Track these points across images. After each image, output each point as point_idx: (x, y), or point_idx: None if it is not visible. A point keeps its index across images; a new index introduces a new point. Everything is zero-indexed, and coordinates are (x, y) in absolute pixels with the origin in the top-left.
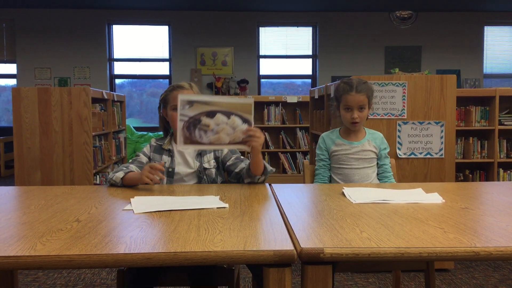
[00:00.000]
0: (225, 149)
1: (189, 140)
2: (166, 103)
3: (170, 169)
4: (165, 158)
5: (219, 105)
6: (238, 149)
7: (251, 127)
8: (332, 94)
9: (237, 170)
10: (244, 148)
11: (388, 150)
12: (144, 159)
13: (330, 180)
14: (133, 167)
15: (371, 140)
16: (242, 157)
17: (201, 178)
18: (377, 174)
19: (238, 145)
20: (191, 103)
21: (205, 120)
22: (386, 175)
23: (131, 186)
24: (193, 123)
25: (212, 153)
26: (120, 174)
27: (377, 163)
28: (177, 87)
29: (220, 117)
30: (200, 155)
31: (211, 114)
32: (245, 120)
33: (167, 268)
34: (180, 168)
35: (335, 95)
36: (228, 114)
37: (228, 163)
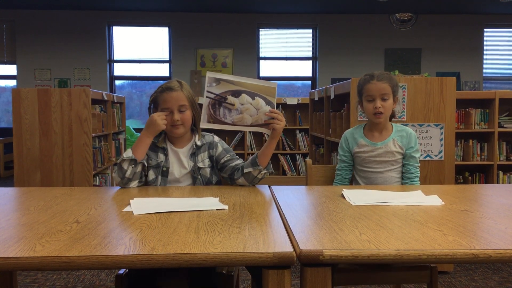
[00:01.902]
0: (220, 148)
1: (213, 119)
2: (156, 104)
3: (165, 169)
4: (161, 157)
5: (244, 86)
6: (259, 131)
7: (274, 109)
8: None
9: (232, 164)
10: (265, 131)
11: (415, 149)
12: None
13: (352, 181)
14: None
15: (397, 139)
16: (237, 156)
17: (196, 178)
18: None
19: (259, 127)
20: (218, 81)
21: (230, 98)
22: (409, 176)
23: (141, 162)
24: (218, 101)
25: (207, 152)
26: (128, 151)
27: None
28: (166, 89)
29: (245, 97)
30: (194, 154)
31: (236, 93)
32: (268, 103)
33: (167, 270)
34: (175, 168)
35: (357, 89)
36: (252, 95)
37: (223, 159)
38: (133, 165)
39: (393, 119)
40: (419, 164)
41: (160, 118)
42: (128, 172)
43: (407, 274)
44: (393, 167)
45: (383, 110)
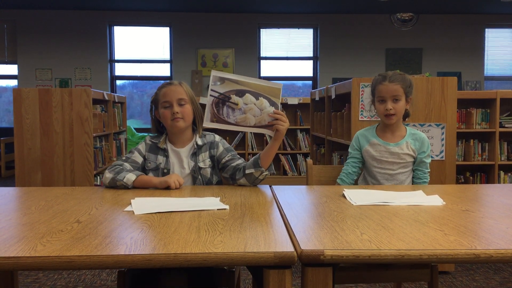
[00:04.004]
0: (221, 147)
1: (216, 118)
2: (157, 103)
3: (165, 170)
4: (160, 159)
5: (248, 86)
6: (262, 133)
7: (278, 110)
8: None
9: (233, 164)
10: (268, 132)
11: (427, 154)
12: (139, 158)
13: (355, 177)
14: (127, 165)
15: (411, 143)
16: (238, 155)
17: (196, 178)
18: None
19: (262, 129)
20: (222, 80)
21: (234, 98)
22: (416, 181)
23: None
24: (222, 100)
25: (208, 152)
26: (131, 177)
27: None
28: (166, 84)
29: (249, 97)
30: (195, 154)
31: (240, 93)
32: (272, 104)
33: (168, 269)
34: (175, 169)
35: (371, 88)
36: (256, 95)
37: (224, 159)
38: (123, 188)
39: (406, 119)
40: (429, 170)
41: (174, 181)
42: (116, 186)
43: (408, 272)
44: (405, 170)
45: (394, 111)
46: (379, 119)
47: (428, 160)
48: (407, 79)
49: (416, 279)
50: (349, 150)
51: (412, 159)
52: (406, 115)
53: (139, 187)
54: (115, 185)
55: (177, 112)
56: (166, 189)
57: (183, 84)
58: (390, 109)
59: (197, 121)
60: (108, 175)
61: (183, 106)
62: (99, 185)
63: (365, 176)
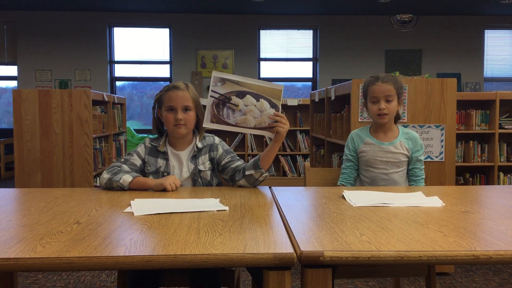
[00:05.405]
0: (220, 149)
1: (216, 118)
2: (161, 103)
3: (166, 174)
4: (160, 162)
5: (249, 87)
6: (262, 134)
7: (278, 112)
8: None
9: (233, 165)
10: (268, 134)
11: (421, 152)
12: (138, 161)
13: (356, 181)
14: (125, 167)
15: (404, 142)
16: (238, 157)
17: (196, 181)
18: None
19: (262, 130)
20: (223, 80)
21: (235, 99)
22: (415, 179)
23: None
24: (222, 101)
25: (207, 155)
26: (127, 178)
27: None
28: (173, 88)
29: (249, 98)
30: (195, 157)
31: (241, 94)
32: (272, 105)
33: (168, 269)
34: (175, 172)
35: (363, 90)
36: (257, 97)
37: (224, 161)
38: (119, 189)
39: (398, 121)
40: (424, 166)
41: (170, 184)
42: (112, 187)
43: (405, 266)
44: (399, 169)
45: (387, 111)
46: (371, 120)
47: (423, 158)
48: (398, 80)
49: (413, 274)
50: (346, 151)
51: (406, 159)
52: (397, 117)
53: (135, 189)
54: (111, 186)
55: (180, 119)
56: (162, 191)
57: (189, 88)
58: (384, 108)
59: (200, 125)
60: (105, 175)
61: (187, 112)
62: (99, 186)
63: (360, 176)
